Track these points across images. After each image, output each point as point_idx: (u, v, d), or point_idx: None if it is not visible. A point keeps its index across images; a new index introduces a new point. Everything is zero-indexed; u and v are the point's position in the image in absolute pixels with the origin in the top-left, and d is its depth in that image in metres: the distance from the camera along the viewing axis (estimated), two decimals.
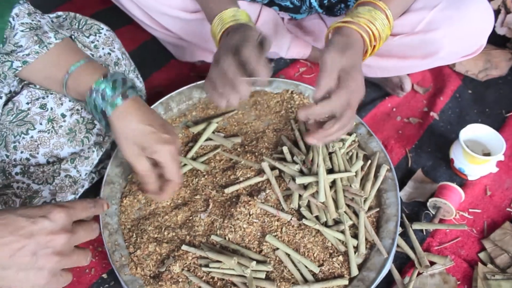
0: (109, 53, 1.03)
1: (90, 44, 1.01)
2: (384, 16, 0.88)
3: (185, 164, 1.04)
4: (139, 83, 1.13)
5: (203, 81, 1.14)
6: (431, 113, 1.29)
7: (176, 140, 0.87)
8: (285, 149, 1.04)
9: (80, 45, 0.99)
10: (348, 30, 0.86)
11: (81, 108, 0.96)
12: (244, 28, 0.89)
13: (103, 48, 1.03)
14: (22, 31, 0.84)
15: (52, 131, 0.94)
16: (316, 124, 0.89)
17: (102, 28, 1.03)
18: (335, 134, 0.86)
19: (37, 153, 0.94)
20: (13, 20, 0.84)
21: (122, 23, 1.45)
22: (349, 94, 0.82)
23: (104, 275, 0.99)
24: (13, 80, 0.93)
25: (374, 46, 0.89)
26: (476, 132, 1.13)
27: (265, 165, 1.00)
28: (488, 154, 1.13)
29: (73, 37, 0.98)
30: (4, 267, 0.57)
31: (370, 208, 1.00)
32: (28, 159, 0.94)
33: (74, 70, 0.85)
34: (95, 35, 1.01)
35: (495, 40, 1.40)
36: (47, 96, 0.93)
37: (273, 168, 1.01)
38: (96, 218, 0.89)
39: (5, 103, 0.93)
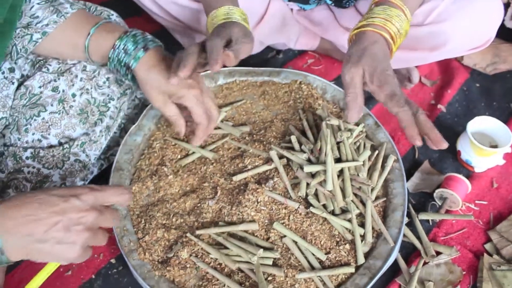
0: None
1: None
2: (400, 12, 0.87)
3: (193, 152, 1.05)
4: None
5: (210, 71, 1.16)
6: (439, 106, 1.30)
7: (200, 84, 0.90)
8: (293, 138, 1.04)
9: None
10: (364, 34, 0.86)
11: (91, 88, 0.98)
12: (226, 25, 0.90)
13: None
14: (38, 3, 0.86)
15: (62, 112, 0.95)
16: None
17: (112, 14, 1.04)
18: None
19: (49, 134, 0.95)
20: None
21: (129, 14, 1.45)
22: (398, 95, 0.82)
23: (113, 260, 1.00)
24: (25, 63, 0.95)
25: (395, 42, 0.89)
26: (483, 124, 1.14)
27: (273, 154, 1.01)
28: (495, 147, 1.13)
29: None
30: (40, 240, 0.62)
31: (377, 198, 1.01)
32: (39, 140, 0.95)
33: (95, 32, 0.88)
34: None
35: (504, 34, 1.40)
36: (59, 79, 0.95)
37: (281, 156, 1.02)
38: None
39: (17, 88, 0.94)
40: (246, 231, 0.94)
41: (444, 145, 0.82)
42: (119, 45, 0.87)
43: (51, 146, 0.96)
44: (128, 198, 0.72)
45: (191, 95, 0.87)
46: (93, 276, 0.97)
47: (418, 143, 0.83)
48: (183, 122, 0.94)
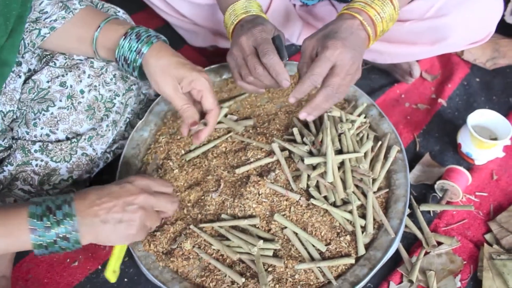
0: None
1: None
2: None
3: (196, 147, 1.07)
4: None
5: (216, 65, 1.18)
6: (439, 100, 1.31)
7: (207, 72, 0.93)
8: (295, 130, 1.06)
9: None
10: (341, 16, 0.88)
11: (99, 85, 0.99)
12: (259, 21, 0.92)
13: None
14: None
15: (71, 108, 0.97)
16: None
17: (119, 11, 1.05)
18: (322, 105, 0.87)
19: (57, 129, 0.97)
20: None
21: (134, 10, 1.48)
22: (327, 63, 0.83)
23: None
24: (32, 58, 0.96)
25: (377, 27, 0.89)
26: (483, 117, 1.15)
27: (275, 146, 1.02)
28: (495, 139, 1.14)
29: None
30: (104, 221, 0.74)
31: (379, 189, 1.02)
32: (48, 135, 0.96)
33: (105, 25, 0.90)
34: None
35: (504, 30, 1.41)
36: (67, 74, 0.96)
37: (283, 149, 1.03)
38: None
39: (25, 82, 0.96)
40: None
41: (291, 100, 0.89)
42: (131, 33, 0.89)
43: (59, 141, 0.98)
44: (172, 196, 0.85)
45: (203, 78, 0.88)
46: (99, 267, 1.00)
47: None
48: (193, 112, 0.91)
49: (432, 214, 1.07)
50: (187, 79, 0.88)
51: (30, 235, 0.70)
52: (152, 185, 0.82)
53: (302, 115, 0.89)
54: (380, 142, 1.07)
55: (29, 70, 0.96)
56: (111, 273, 0.83)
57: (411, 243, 1.02)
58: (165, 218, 0.95)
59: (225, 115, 1.12)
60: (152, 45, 0.89)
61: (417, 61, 1.34)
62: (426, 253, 0.99)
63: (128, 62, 0.91)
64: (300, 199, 0.97)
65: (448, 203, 1.08)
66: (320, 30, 0.88)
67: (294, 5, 1.33)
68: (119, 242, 0.78)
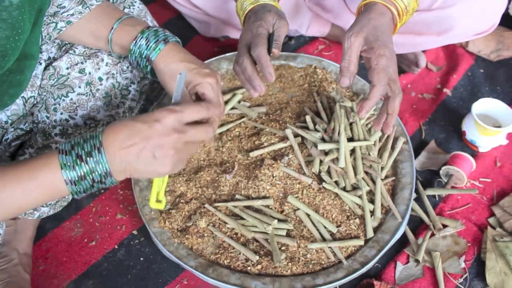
0: None
1: None
2: None
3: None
4: None
5: (231, 53, 1.21)
6: (444, 90, 1.34)
7: (216, 74, 0.93)
8: (308, 118, 1.09)
9: None
10: (374, 4, 0.89)
11: (116, 73, 1.02)
12: (261, 13, 0.95)
13: None
14: None
15: (90, 94, 1.00)
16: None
17: (136, 1, 1.08)
18: (396, 110, 0.91)
19: (76, 115, 1.00)
20: None
21: (146, 1, 1.50)
22: (387, 75, 0.85)
23: (135, 231, 1.05)
24: (52, 46, 0.99)
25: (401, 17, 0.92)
26: (487, 106, 1.18)
27: (288, 132, 1.06)
28: (498, 127, 1.17)
29: None
30: (135, 162, 0.72)
31: (386, 177, 1.05)
32: (67, 120, 1.00)
33: (118, 26, 0.92)
34: (129, 8, 1.07)
35: (508, 22, 1.43)
36: (85, 61, 0.99)
37: (296, 135, 1.07)
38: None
39: (46, 69, 0.99)
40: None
41: (388, 131, 0.93)
42: (141, 38, 0.91)
43: (77, 126, 1.01)
44: (212, 113, 0.78)
45: (206, 83, 0.90)
46: (116, 247, 1.03)
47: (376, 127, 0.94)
48: None
49: (437, 199, 1.11)
50: (192, 84, 0.90)
51: (68, 186, 0.71)
52: (182, 117, 0.74)
53: (388, 131, 0.93)
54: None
55: (49, 58, 0.99)
56: (155, 202, 0.85)
57: (417, 225, 1.06)
58: (204, 142, 0.92)
59: (239, 101, 1.15)
60: (160, 51, 0.90)
61: (423, 51, 1.38)
62: (432, 235, 1.02)
63: (141, 67, 0.94)
64: (312, 183, 1.00)
65: (453, 188, 1.11)
66: (360, 23, 0.87)
67: None
68: (156, 176, 0.77)
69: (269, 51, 0.91)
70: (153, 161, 0.72)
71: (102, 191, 1.12)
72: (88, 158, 0.70)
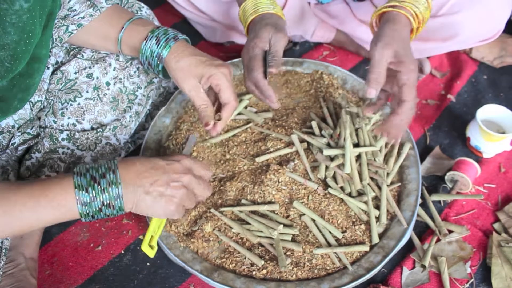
0: None
1: None
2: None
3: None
4: None
5: (236, 59, 1.22)
6: (448, 96, 1.35)
7: (228, 65, 0.95)
8: (314, 123, 1.09)
9: None
10: (397, 15, 0.89)
11: (124, 78, 1.03)
12: (258, 28, 0.97)
13: None
14: None
15: (97, 99, 1.00)
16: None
17: (143, 7, 1.09)
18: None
19: (83, 119, 1.00)
20: None
21: (152, 5, 1.50)
22: (414, 88, 0.88)
23: (141, 236, 1.05)
24: (60, 51, 1.00)
25: (417, 28, 0.93)
26: (492, 112, 1.18)
27: (294, 137, 1.06)
28: (502, 133, 1.18)
29: None
30: (146, 192, 0.76)
31: (392, 183, 1.06)
32: (74, 125, 1.00)
33: (129, 25, 0.94)
34: (137, 13, 1.08)
35: (511, 29, 1.45)
36: (93, 66, 1.00)
37: (302, 140, 1.07)
38: None
39: (53, 73, 0.99)
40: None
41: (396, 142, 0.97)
42: (151, 37, 0.92)
43: (84, 130, 1.02)
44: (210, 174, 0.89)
45: (220, 73, 0.91)
46: (122, 252, 1.03)
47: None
48: (211, 111, 0.94)
49: (442, 204, 1.11)
50: (205, 76, 0.91)
51: (78, 206, 0.72)
52: (196, 168, 0.84)
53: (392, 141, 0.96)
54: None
55: (57, 62, 1.00)
56: (147, 246, 0.87)
57: (423, 231, 1.06)
58: (198, 202, 0.97)
59: (245, 107, 1.16)
60: (171, 48, 0.92)
61: (428, 58, 1.38)
62: (437, 240, 1.03)
63: (152, 66, 0.95)
64: (318, 188, 1.01)
65: (458, 193, 1.12)
66: (389, 35, 0.87)
67: (309, 3, 1.37)
68: (157, 215, 0.80)
69: (266, 71, 0.93)
70: (164, 193, 0.77)
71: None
72: (101, 180, 0.74)
